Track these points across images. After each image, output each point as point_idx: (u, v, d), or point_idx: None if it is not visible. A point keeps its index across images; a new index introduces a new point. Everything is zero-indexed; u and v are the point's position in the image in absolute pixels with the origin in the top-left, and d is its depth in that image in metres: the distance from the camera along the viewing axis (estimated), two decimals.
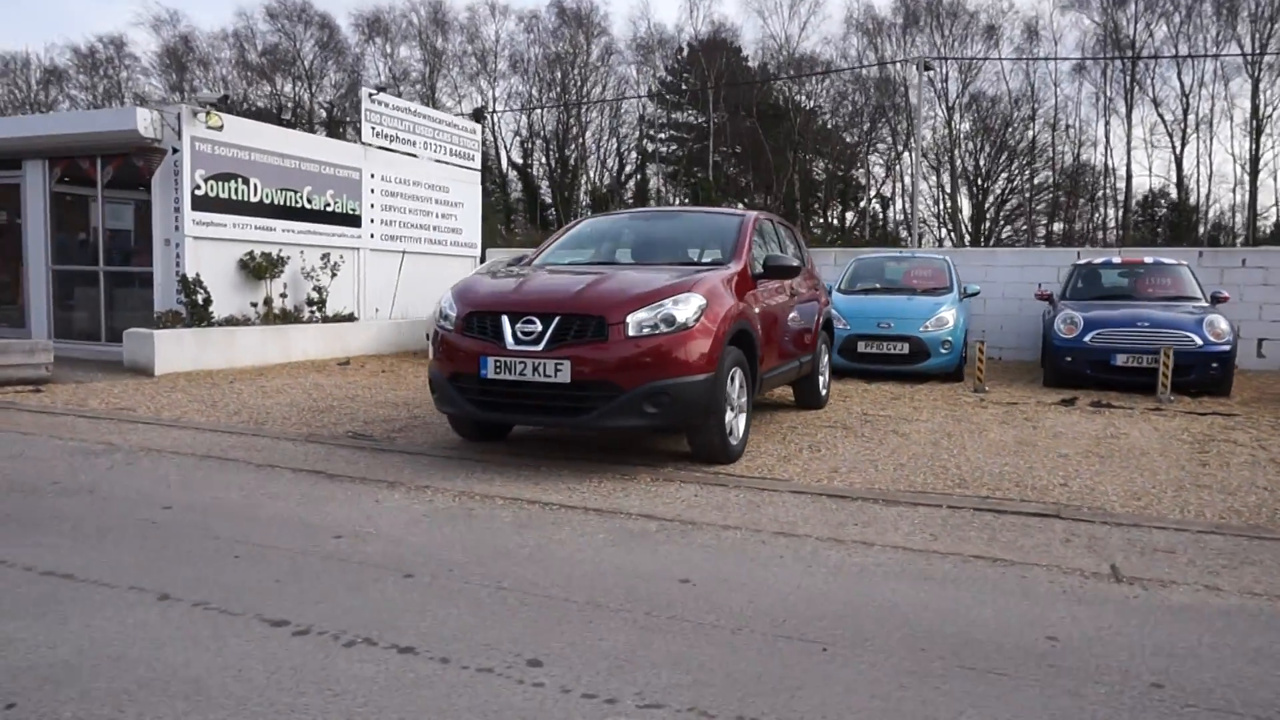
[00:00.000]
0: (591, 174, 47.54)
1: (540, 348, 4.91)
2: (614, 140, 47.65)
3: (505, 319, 5.06)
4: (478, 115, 42.91)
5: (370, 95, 13.30)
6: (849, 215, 46.18)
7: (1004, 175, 42.23)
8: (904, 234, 39.84)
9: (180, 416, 6.88)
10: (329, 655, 2.61)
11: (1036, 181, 41.60)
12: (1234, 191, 36.33)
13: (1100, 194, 39.67)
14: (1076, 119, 41.11)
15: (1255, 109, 34.96)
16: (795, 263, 6.01)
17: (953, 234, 41.97)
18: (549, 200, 46.23)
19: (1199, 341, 8.93)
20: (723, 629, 2.88)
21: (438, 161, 14.85)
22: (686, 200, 42.37)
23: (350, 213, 12.93)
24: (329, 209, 12.52)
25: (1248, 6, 34.42)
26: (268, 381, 9.22)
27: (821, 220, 46.03)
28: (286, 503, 4.40)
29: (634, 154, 47.76)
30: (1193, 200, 37.07)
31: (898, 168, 42.34)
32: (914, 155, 30.84)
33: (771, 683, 2.49)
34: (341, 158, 12.79)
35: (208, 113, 10.48)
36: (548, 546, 3.74)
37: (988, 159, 41.69)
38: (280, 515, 4.16)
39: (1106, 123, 38.78)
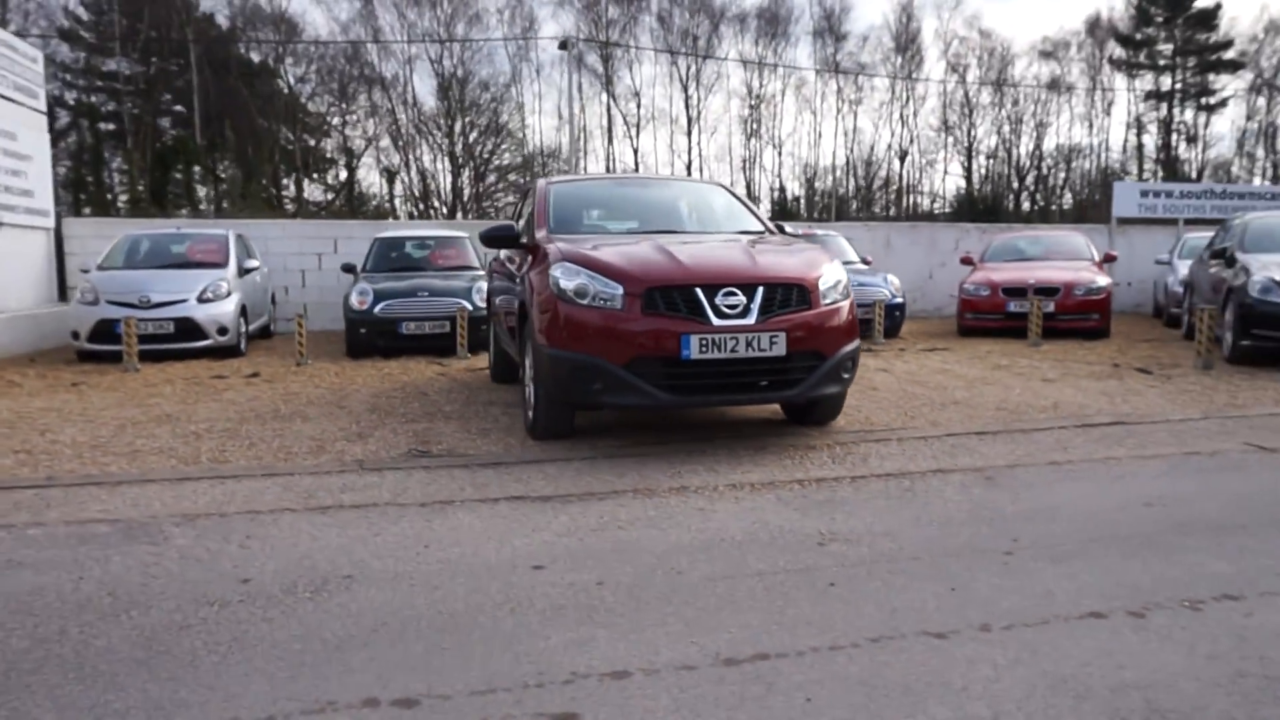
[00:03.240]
0: None
1: (751, 320, 4.55)
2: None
3: (700, 292, 4.54)
4: None
5: None
6: (316, 188, 43.77)
7: (481, 152, 44.35)
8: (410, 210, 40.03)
9: (95, 469, 4.39)
10: None
11: (506, 161, 44.70)
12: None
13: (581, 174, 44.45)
14: (561, 104, 44.79)
15: (688, 110, 43.04)
16: (798, 233, 6.33)
17: (438, 208, 42.76)
18: None
19: (889, 294, 11.33)
20: None
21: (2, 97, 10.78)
22: (149, 167, 36.03)
23: None
24: None
25: (681, 25, 41.89)
26: None
27: (292, 192, 42.85)
28: (671, 531, 3.48)
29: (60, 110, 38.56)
30: None
31: (399, 139, 41.66)
32: (578, 128, 30.63)
33: None
34: None
35: None
36: (1016, 512, 3.75)
37: (462, 134, 43.23)
38: (714, 543, 3.31)
39: (583, 109, 43.89)
